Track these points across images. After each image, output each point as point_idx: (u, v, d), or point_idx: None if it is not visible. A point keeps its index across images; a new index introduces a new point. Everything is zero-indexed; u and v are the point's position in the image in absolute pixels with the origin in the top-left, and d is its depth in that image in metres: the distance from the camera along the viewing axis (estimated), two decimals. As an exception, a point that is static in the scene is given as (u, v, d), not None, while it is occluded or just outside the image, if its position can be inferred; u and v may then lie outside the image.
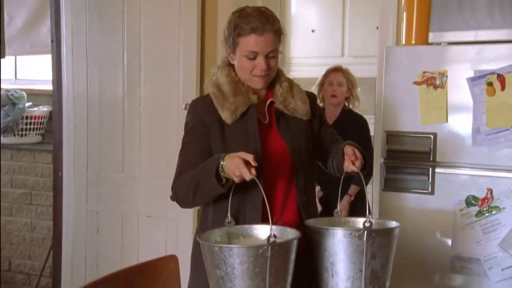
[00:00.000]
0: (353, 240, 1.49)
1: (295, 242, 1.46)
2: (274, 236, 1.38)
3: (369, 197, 2.61)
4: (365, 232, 1.48)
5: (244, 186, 1.64)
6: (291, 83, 1.82)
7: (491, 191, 2.21)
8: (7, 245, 4.09)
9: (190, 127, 1.76)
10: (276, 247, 1.38)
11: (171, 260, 1.71)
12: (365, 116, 3.24)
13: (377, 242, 1.50)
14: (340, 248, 1.51)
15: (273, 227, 1.47)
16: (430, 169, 2.31)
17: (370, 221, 1.48)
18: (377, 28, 2.82)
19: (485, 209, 2.22)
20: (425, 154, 2.31)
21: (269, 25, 1.68)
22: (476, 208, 2.23)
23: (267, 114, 1.77)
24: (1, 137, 3.93)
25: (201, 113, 1.75)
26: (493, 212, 2.21)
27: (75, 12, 3.26)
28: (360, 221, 1.64)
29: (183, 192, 1.67)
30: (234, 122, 1.71)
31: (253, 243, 1.53)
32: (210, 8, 3.06)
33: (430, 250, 2.31)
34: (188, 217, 3.00)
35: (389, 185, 2.38)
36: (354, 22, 4.21)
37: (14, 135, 3.93)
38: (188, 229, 3.00)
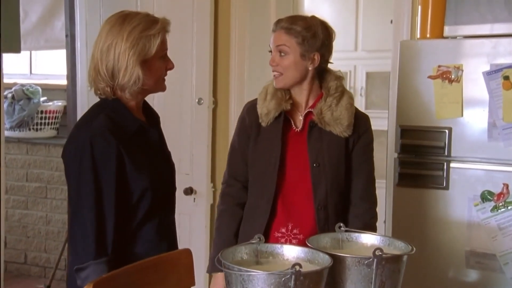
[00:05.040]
0: (361, 268, 1.37)
1: (324, 273, 1.31)
2: (299, 265, 1.22)
3: (382, 192, 2.60)
4: (375, 260, 1.34)
5: (258, 189, 1.76)
6: (340, 99, 1.78)
7: (507, 186, 2.19)
8: (23, 238, 4.14)
9: (235, 132, 1.89)
10: (301, 277, 1.22)
11: (185, 254, 1.72)
12: (379, 111, 3.16)
13: (387, 269, 1.37)
14: (346, 276, 1.38)
15: (304, 249, 1.41)
16: (445, 163, 2.28)
17: (380, 249, 1.34)
18: (391, 22, 2.79)
19: (501, 204, 2.20)
20: (440, 149, 2.28)
21: (284, 23, 1.74)
22: (492, 203, 2.21)
23: (302, 123, 1.80)
24: (17, 132, 3.97)
25: (245, 115, 1.86)
26: (509, 207, 2.18)
27: (89, 7, 3.28)
28: (364, 237, 1.55)
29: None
30: (268, 125, 1.78)
31: (277, 267, 1.34)
32: (223, 2, 3.06)
33: (445, 245, 2.29)
34: (201, 211, 3.01)
35: (403, 180, 2.37)
36: (368, 16, 4.17)
37: (30, 129, 3.97)
38: (201, 223, 3.00)
